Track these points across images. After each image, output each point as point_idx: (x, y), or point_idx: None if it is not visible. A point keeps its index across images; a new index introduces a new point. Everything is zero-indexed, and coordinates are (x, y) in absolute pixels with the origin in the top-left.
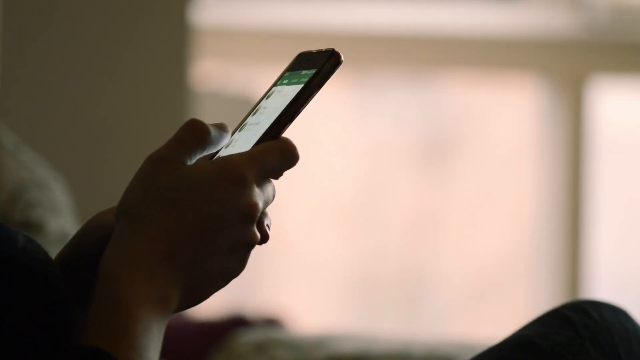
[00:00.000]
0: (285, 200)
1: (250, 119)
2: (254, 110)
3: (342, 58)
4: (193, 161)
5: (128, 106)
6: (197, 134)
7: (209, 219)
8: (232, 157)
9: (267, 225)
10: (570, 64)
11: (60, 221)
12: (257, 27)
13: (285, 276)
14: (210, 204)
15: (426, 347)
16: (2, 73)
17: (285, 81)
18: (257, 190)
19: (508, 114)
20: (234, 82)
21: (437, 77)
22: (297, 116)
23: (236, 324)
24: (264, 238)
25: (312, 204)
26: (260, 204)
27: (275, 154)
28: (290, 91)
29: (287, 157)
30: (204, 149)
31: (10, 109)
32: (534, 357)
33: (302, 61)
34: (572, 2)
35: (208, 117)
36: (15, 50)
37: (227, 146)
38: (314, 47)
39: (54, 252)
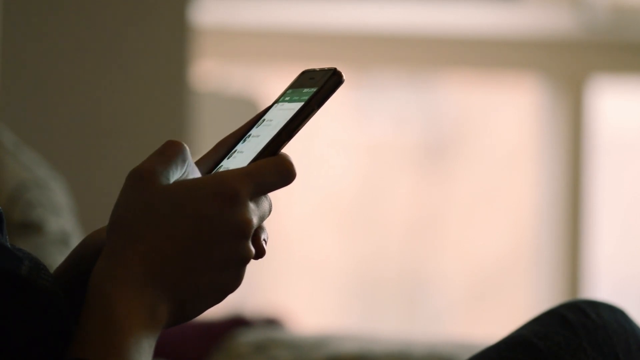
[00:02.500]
0: (285, 200)
1: (251, 133)
2: (255, 125)
3: (344, 78)
4: (175, 176)
5: (128, 106)
6: (175, 147)
7: (199, 235)
8: (226, 173)
9: (264, 239)
10: (570, 64)
11: (60, 221)
12: (257, 27)
13: (285, 276)
14: (202, 220)
15: (426, 347)
16: (2, 73)
17: (287, 98)
18: (251, 206)
19: (508, 114)
20: (234, 82)
21: (437, 77)
22: (295, 134)
23: (236, 324)
24: (260, 253)
25: (312, 204)
26: (255, 220)
27: (272, 171)
28: (291, 108)
29: (283, 174)
30: (183, 162)
31: (10, 109)
32: (531, 356)
33: (305, 79)
34: (572, 2)
35: (208, 117)
36: (15, 50)
37: (226, 160)
38: (313, 46)
39: (54, 252)
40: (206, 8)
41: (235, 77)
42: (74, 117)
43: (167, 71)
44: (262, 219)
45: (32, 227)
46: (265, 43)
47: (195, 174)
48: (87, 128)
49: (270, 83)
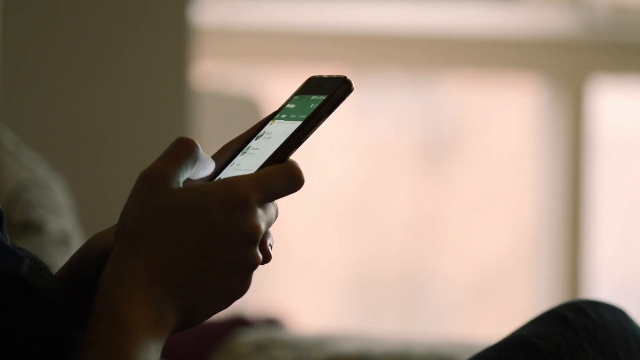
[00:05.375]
0: (285, 200)
1: (256, 141)
2: (260, 131)
3: (354, 86)
4: (185, 176)
5: (128, 106)
6: (187, 146)
7: (208, 240)
8: (236, 179)
9: (270, 245)
10: (570, 64)
11: (60, 221)
12: (257, 27)
13: (286, 276)
14: (211, 225)
15: (426, 347)
16: (2, 73)
17: (294, 105)
18: (259, 212)
19: (508, 114)
20: (234, 82)
21: (437, 77)
22: (304, 141)
23: (236, 324)
24: (267, 258)
25: (312, 204)
26: (263, 226)
27: (280, 178)
28: (299, 115)
29: (292, 181)
30: (194, 162)
31: (10, 109)
32: (531, 357)
33: (313, 86)
34: (572, 2)
35: (208, 117)
36: (15, 50)
37: (232, 165)
38: (314, 46)
39: (54, 252)
40: (206, 8)
41: (235, 77)
42: (74, 117)
43: (167, 71)
44: (269, 224)
45: (32, 227)
46: (265, 43)
47: (207, 169)
48: (87, 128)
49: (270, 83)
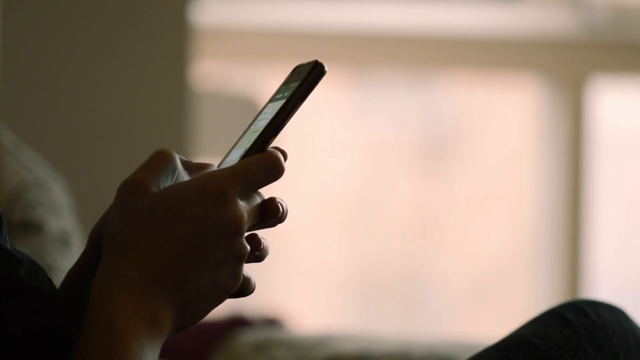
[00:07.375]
0: (285, 200)
1: (244, 135)
2: (250, 125)
3: (326, 69)
4: (165, 185)
5: (128, 106)
6: (166, 157)
7: (192, 236)
8: (212, 173)
9: (263, 243)
10: (570, 64)
11: (60, 221)
12: (257, 27)
13: (285, 276)
14: (192, 221)
15: (426, 347)
16: (2, 73)
17: (279, 95)
18: (240, 203)
19: (508, 114)
20: (234, 82)
21: (437, 77)
22: (282, 129)
23: (236, 324)
24: (260, 254)
25: (312, 204)
26: (246, 216)
27: (258, 167)
28: (279, 104)
29: (271, 170)
30: (173, 171)
31: (10, 109)
32: (531, 356)
33: (295, 74)
34: (572, 2)
35: (208, 117)
36: (15, 50)
37: (225, 159)
38: (314, 46)
39: (54, 252)
40: (206, 8)
41: (235, 77)
42: (74, 117)
43: (167, 71)
44: (255, 215)
45: (32, 227)
46: (265, 43)
47: (185, 180)
48: (87, 128)
49: (270, 83)
